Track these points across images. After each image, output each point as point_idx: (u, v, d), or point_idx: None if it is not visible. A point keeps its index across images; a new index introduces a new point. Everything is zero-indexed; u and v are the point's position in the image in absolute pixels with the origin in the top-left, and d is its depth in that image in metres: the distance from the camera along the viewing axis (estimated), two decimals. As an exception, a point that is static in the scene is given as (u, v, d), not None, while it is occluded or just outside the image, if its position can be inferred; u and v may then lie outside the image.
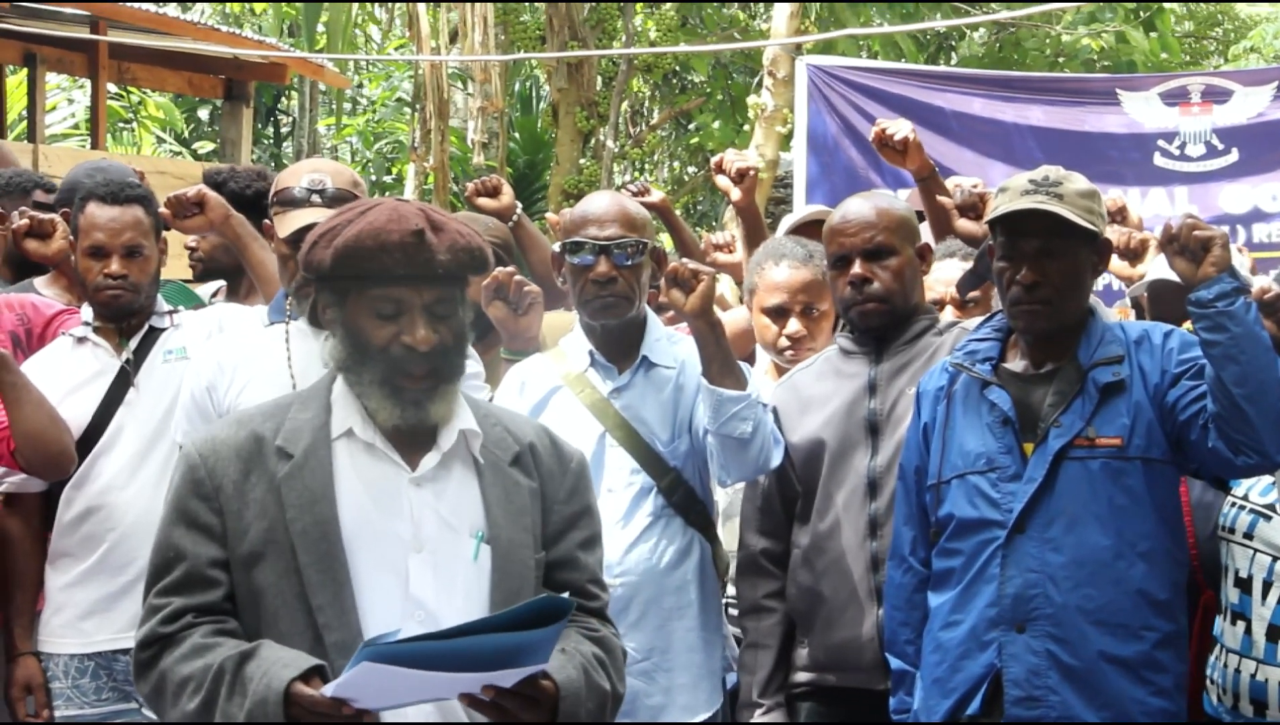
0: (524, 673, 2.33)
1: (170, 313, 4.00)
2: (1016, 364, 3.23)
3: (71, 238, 3.97)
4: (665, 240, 6.26)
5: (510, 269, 3.92)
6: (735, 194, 4.72)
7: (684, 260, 3.45)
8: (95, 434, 3.86)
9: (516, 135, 18.12)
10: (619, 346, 3.60)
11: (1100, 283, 3.61)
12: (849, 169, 6.89)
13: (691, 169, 19.25)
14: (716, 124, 16.22)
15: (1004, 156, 6.74)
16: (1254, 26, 16.43)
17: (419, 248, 2.47)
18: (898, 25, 13.76)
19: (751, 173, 4.69)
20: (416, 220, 2.49)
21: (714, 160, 4.78)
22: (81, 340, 3.94)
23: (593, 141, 15.26)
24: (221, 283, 4.93)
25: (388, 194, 16.76)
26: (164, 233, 4.05)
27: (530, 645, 2.28)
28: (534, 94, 20.09)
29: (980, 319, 3.43)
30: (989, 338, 3.27)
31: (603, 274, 3.51)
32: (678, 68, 16.85)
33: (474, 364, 3.49)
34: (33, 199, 4.78)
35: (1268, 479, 3.30)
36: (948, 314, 4.08)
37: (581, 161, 14.94)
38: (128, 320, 3.94)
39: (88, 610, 3.85)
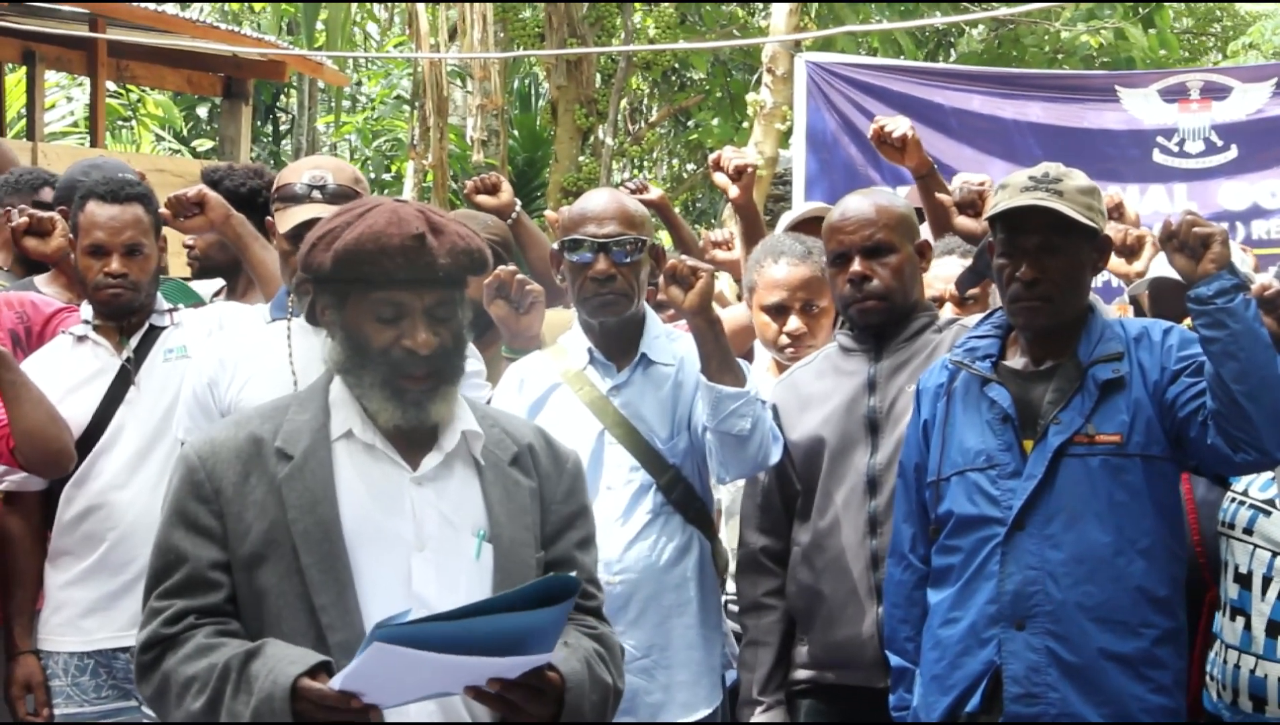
0: (530, 663, 2.34)
1: (170, 311, 4.00)
2: (1016, 361, 3.23)
3: (71, 236, 3.96)
4: (664, 238, 6.26)
5: (512, 268, 3.92)
6: (733, 191, 4.72)
7: (682, 257, 3.45)
8: (96, 433, 3.86)
9: (515, 133, 18.11)
10: (618, 344, 3.60)
11: (1098, 280, 3.61)
12: (848, 166, 6.89)
13: (690, 166, 19.26)
14: (715, 121, 16.22)
15: (1003, 153, 6.74)
16: (1253, 23, 16.43)
17: (420, 252, 2.47)
18: (897, 22, 13.76)
19: (749, 170, 4.69)
20: (417, 223, 2.48)
21: (712, 157, 4.78)
22: (81, 339, 3.94)
23: (592, 139, 15.26)
24: (223, 282, 4.92)
25: (387, 192, 16.79)
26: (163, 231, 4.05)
27: (539, 625, 2.28)
28: (533, 91, 20.09)
29: (980, 316, 3.43)
30: (989, 335, 3.27)
31: (601, 271, 3.51)
32: (677, 65, 16.85)
33: (475, 362, 3.49)
34: (39, 196, 4.78)
35: (1267, 474, 3.30)
36: (947, 311, 4.08)
37: (580, 159, 14.94)
38: (128, 319, 3.94)
39: (88, 609, 3.85)
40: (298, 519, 2.47)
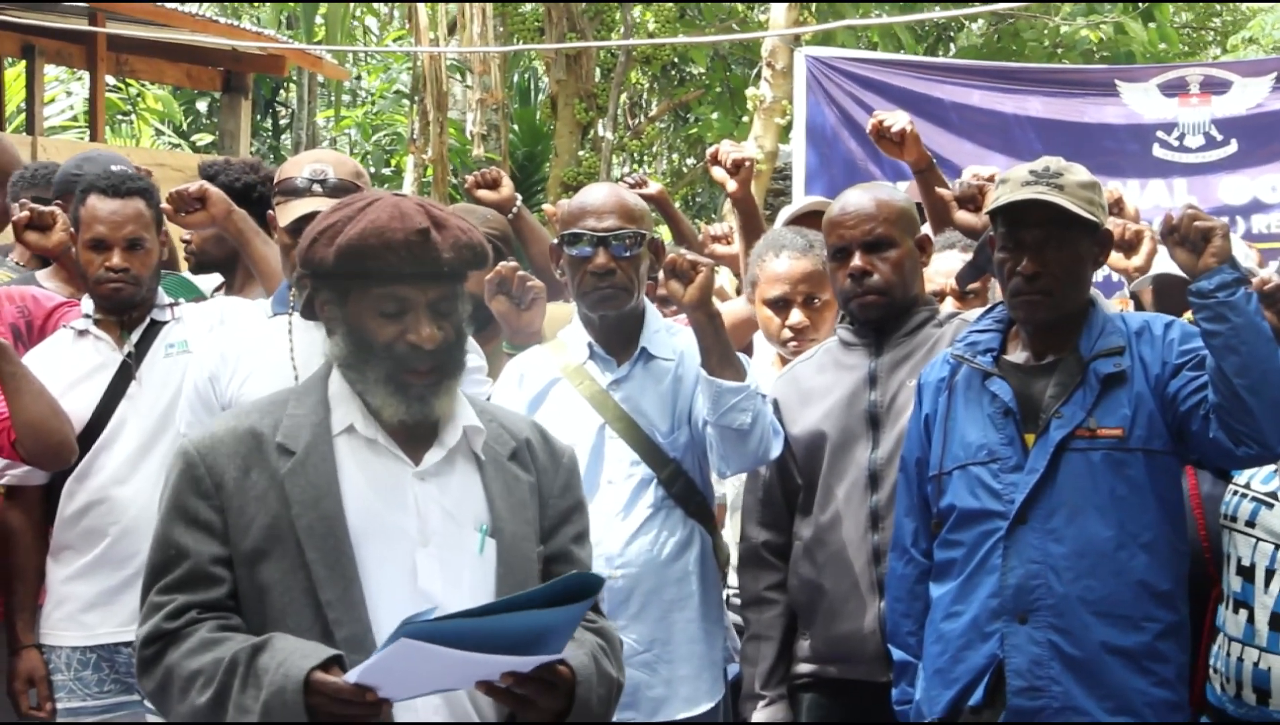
0: (543, 658, 2.34)
1: (171, 306, 4.00)
2: (1017, 355, 3.23)
3: (72, 230, 3.96)
4: (664, 232, 6.26)
5: (513, 264, 3.92)
6: (731, 185, 4.71)
7: (682, 251, 3.45)
8: (97, 427, 3.86)
9: (515, 127, 18.11)
10: (618, 338, 3.60)
11: (1099, 275, 3.61)
12: (848, 160, 6.89)
13: (690, 161, 19.25)
14: (715, 116, 16.21)
15: (1003, 148, 6.74)
16: (1252, 17, 16.41)
17: (424, 246, 2.46)
18: (896, 16, 13.77)
19: (747, 164, 4.67)
20: (420, 218, 2.48)
21: (710, 151, 4.77)
22: (82, 333, 3.94)
23: (591, 133, 15.27)
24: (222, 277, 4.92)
25: (387, 186, 16.78)
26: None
27: (560, 622, 2.29)
28: (533, 86, 20.08)
29: (980, 310, 3.43)
30: (990, 329, 3.27)
31: (601, 266, 3.50)
32: (676, 59, 16.84)
33: (476, 357, 3.49)
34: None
35: (1269, 467, 3.30)
36: (947, 305, 4.08)
37: (580, 153, 14.95)
38: (129, 313, 3.93)
39: (90, 603, 3.85)
40: (301, 514, 2.46)
